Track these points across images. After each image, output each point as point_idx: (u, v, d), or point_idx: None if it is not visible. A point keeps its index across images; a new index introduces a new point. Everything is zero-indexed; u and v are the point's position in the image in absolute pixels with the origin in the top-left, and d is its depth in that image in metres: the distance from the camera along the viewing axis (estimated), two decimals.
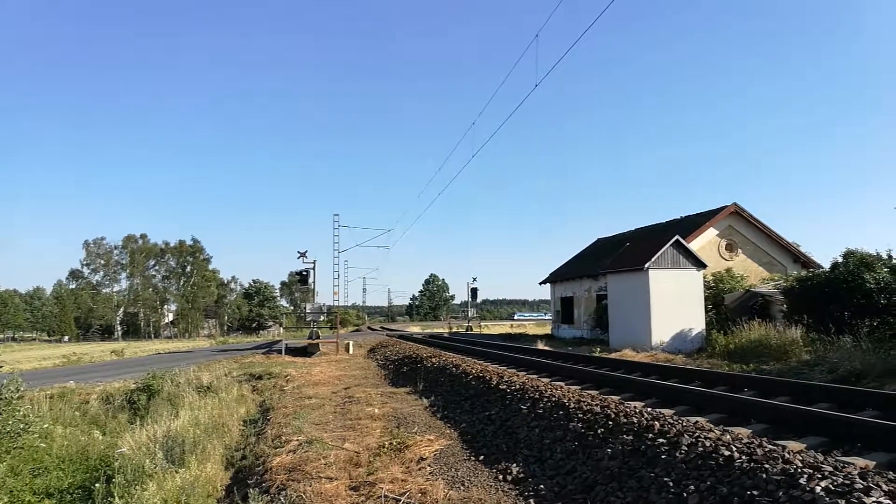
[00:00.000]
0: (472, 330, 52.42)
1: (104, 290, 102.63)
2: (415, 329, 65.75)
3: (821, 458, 4.67)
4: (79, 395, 15.64)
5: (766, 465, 4.42)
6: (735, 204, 27.99)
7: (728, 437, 5.37)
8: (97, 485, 7.30)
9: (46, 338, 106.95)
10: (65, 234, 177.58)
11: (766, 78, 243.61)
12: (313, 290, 30.66)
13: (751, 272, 26.76)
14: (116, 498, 6.89)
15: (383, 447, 7.58)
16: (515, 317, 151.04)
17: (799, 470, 4.25)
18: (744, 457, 4.70)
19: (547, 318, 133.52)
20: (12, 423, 9.68)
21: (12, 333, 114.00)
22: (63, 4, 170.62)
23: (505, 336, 39.76)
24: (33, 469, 8.61)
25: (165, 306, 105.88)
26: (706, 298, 21.79)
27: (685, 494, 4.56)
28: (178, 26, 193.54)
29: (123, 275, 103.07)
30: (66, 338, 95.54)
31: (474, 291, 57.50)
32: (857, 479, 3.97)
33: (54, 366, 29.76)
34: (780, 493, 4.03)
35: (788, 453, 4.67)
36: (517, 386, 9.65)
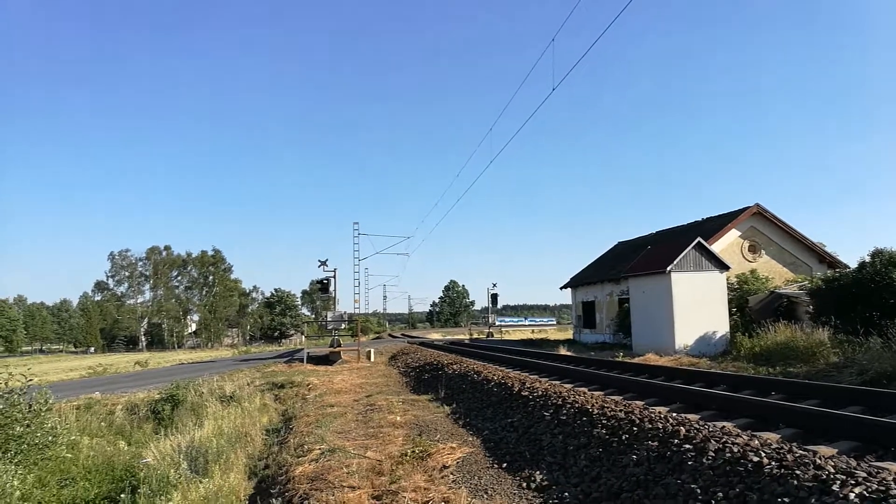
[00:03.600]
0: (492, 336, 52.33)
1: (129, 302, 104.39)
2: (435, 336, 65.72)
3: (854, 463, 4.53)
4: (104, 405, 15.87)
5: (797, 472, 4.31)
6: (757, 204, 27.58)
7: (756, 442, 5.25)
8: (122, 495, 7.36)
9: (73, 349, 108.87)
10: (91, 246, 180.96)
11: (801, 76, 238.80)
12: (334, 298, 30.80)
13: (775, 273, 26.32)
14: None
15: (406, 455, 7.55)
16: (497, 322, 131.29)
17: (831, 476, 4.13)
18: (773, 462, 4.58)
19: (527, 324, 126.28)
20: (41, 434, 9.83)
21: (40, 345, 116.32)
22: (93, 19, 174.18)
23: (526, 342, 39.58)
24: (60, 480, 8.71)
25: (188, 317, 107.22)
26: (730, 301, 21.46)
27: (713, 502, 4.46)
28: (200, 42, 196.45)
29: (147, 286, 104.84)
30: (92, 349, 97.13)
31: (494, 297, 57.55)
32: (893, 485, 3.85)
33: (80, 377, 30.31)
34: (813, 500, 3.92)
35: (820, 459, 4.54)
36: (539, 392, 9.57)
